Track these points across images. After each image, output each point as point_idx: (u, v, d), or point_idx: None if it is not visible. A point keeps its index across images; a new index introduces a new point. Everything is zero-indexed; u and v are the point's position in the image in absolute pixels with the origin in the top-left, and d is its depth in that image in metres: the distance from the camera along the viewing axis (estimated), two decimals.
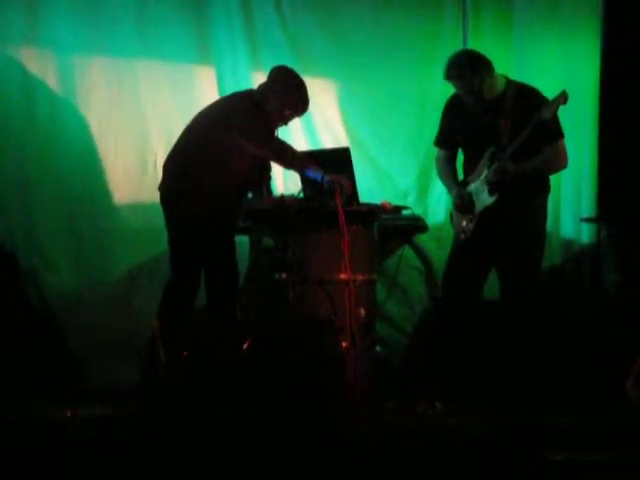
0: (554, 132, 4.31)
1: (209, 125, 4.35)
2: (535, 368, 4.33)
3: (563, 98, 4.14)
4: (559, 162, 4.42)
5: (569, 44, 5.85)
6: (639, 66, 5.57)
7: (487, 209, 4.31)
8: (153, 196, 4.59)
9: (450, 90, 5.09)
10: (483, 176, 4.31)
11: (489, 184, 4.27)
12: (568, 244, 5.86)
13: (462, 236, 4.46)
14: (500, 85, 4.37)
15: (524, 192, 4.31)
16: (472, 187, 4.40)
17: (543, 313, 4.48)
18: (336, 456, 3.34)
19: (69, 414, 3.94)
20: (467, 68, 4.31)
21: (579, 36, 5.86)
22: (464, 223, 4.46)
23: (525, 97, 4.28)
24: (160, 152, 5.02)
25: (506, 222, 4.33)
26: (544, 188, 4.46)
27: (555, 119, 4.29)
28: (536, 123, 4.13)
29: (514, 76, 4.56)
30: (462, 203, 4.43)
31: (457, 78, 4.33)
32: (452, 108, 4.59)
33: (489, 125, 4.30)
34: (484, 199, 4.32)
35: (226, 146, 4.25)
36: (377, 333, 4.63)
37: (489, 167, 4.27)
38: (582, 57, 5.85)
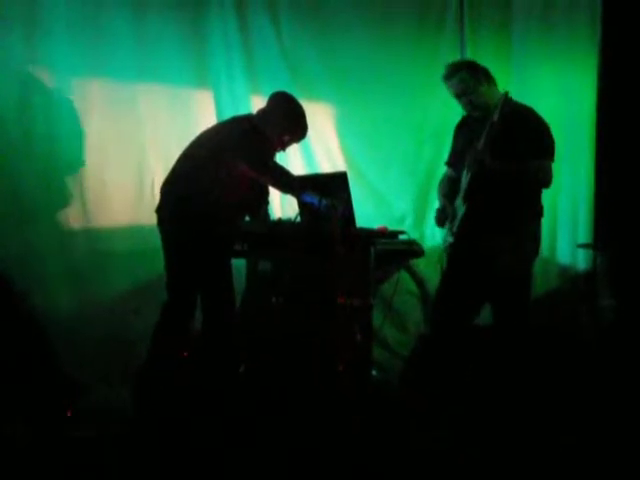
0: (545, 150, 4.25)
1: (207, 149, 4.35)
2: (532, 392, 4.31)
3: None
4: (541, 177, 4.28)
5: (567, 69, 5.89)
6: (637, 90, 5.60)
7: (462, 220, 4.25)
8: (150, 218, 4.59)
9: (448, 115, 5.14)
10: (463, 188, 4.26)
11: (465, 191, 4.23)
12: (564, 270, 5.87)
13: (447, 250, 4.42)
14: (497, 98, 4.27)
15: (515, 215, 4.26)
16: (457, 201, 4.38)
17: (535, 339, 4.45)
18: None
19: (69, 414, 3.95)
20: (462, 68, 4.34)
21: (577, 60, 5.90)
22: (447, 238, 4.44)
23: (515, 114, 4.20)
24: (157, 174, 5.01)
25: (489, 242, 4.28)
26: (536, 211, 4.38)
27: (552, 141, 4.27)
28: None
29: None
30: (441, 216, 4.44)
31: (451, 77, 4.34)
32: (458, 129, 4.60)
33: (476, 140, 4.23)
34: (460, 208, 4.28)
35: (224, 170, 4.26)
36: (373, 357, 4.63)
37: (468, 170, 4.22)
38: (579, 82, 5.88)
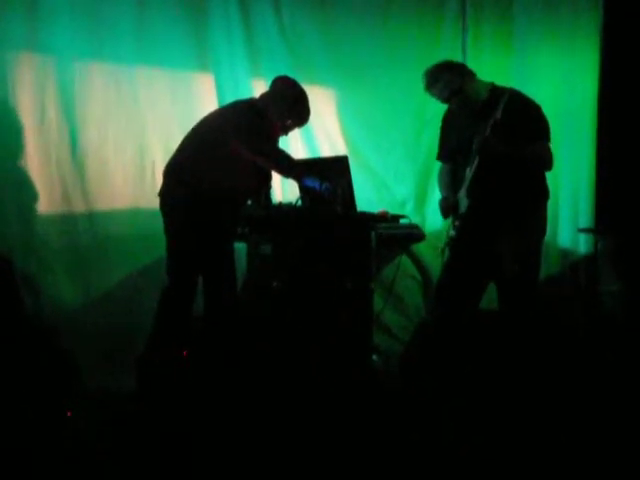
0: (542, 131, 4.22)
1: (210, 132, 4.35)
2: (531, 378, 4.31)
3: None
4: (545, 159, 4.26)
5: (568, 54, 5.89)
6: (638, 77, 5.60)
7: (466, 213, 4.24)
8: (152, 202, 4.59)
9: None
10: (468, 179, 4.24)
11: (469, 183, 4.21)
12: (566, 254, 5.88)
13: (450, 243, 4.41)
14: (485, 91, 4.27)
15: (521, 196, 4.25)
16: (460, 193, 4.37)
17: (540, 322, 4.45)
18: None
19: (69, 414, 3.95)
20: (443, 72, 4.25)
21: (578, 46, 5.90)
22: (449, 232, 4.42)
23: (513, 104, 4.12)
24: (158, 159, 5.02)
25: (494, 227, 4.26)
26: (543, 193, 4.36)
27: (546, 123, 4.25)
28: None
29: (514, 85, 4.53)
30: (444, 205, 4.42)
31: (435, 83, 4.25)
32: (447, 121, 4.55)
33: (477, 132, 4.19)
34: (462, 201, 4.27)
35: (226, 154, 4.26)
36: (374, 342, 4.64)
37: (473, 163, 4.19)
38: (581, 67, 5.88)
